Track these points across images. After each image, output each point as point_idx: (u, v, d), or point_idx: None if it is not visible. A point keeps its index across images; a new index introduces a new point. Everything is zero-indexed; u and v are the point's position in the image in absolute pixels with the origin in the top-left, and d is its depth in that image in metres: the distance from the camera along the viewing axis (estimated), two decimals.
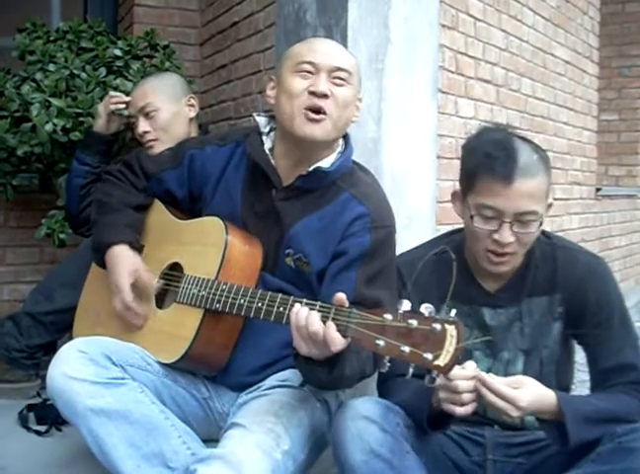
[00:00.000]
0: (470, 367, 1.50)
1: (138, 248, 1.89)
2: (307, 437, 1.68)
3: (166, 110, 2.46)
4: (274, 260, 1.79)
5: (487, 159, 1.61)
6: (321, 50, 1.75)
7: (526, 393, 1.50)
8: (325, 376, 1.51)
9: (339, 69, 1.72)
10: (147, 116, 2.44)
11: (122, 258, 1.84)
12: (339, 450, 1.54)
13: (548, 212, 1.70)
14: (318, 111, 1.69)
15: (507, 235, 1.60)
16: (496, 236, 1.61)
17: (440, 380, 1.47)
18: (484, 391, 1.48)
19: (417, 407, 1.58)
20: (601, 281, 1.73)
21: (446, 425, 1.60)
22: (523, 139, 1.67)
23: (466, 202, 1.68)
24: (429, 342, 1.27)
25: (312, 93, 1.69)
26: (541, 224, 1.63)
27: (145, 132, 2.43)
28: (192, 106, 2.55)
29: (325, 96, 1.69)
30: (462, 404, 1.49)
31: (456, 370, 1.45)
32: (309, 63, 1.72)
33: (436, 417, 1.57)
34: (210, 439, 1.77)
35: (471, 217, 1.65)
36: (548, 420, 1.55)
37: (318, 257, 1.75)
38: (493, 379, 1.49)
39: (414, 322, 1.28)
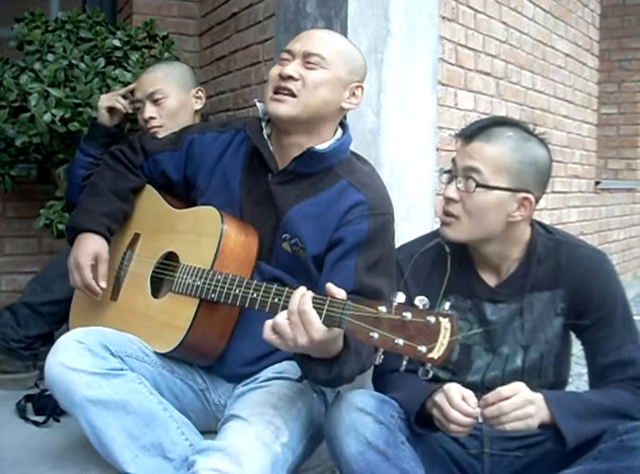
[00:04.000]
0: (472, 404, 1.49)
1: (109, 238, 1.91)
2: (305, 430, 1.68)
3: (175, 97, 2.45)
4: (270, 246, 1.79)
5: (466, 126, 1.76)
6: (302, 38, 1.81)
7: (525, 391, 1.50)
8: (324, 375, 1.51)
9: (309, 54, 1.74)
10: (155, 102, 2.43)
11: (89, 241, 1.86)
12: (334, 442, 1.54)
13: (529, 211, 1.68)
14: (283, 90, 1.72)
15: (451, 189, 1.68)
16: (444, 192, 1.69)
17: (438, 398, 1.50)
18: (495, 408, 1.48)
19: (408, 407, 1.58)
20: (605, 277, 1.73)
21: (435, 427, 1.58)
22: (525, 130, 1.69)
23: None
24: (423, 334, 1.27)
25: (280, 75, 1.73)
26: (479, 187, 1.63)
27: (151, 118, 2.42)
28: (199, 98, 2.55)
29: (290, 77, 1.72)
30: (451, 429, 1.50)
31: (458, 401, 1.47)
32: (287, 51, 1.78)
33: (427, 417, 1.56)
34: (208, 431, 1.77)
35: None
36: (542, 422, 1.53)
37: (313, 242, 1.74)
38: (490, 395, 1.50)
39: (408, 315, 1.28)
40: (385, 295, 1.66)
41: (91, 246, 1.86)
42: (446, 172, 1.72)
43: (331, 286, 1.41)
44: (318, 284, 1.69)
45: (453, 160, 1.71)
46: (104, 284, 1.86)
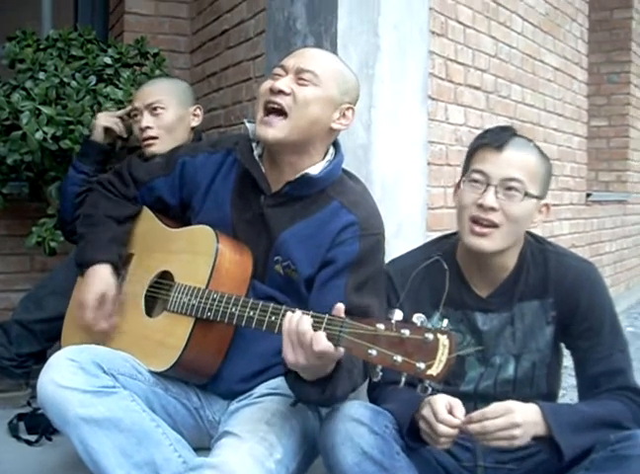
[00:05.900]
0: (459, 413, 1.49)
1: (120, 264, 1.90)
2: (299, 446, 1.68)
3: (173, 111, 2.47)
4: (263, 267, 1.79)
5: (485, 133, 1.75)
6: (297, 55, 1.80)
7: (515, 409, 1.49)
8: (317, 396, 1.51)
9: (302, 70, 1.74)
10: (154, 111, 2.44)
11: (96, 279, 1.86)
12: (329, 453, 1.53)
13: (546, 216, 1.74)
14: (273, 105, 1.71)
15: (490, 198, 1.64)
16: (480, 200, 1.65)
17: (425, 412, 1.49)
18: (478, 426, 1.47)
19: (400, 420, 1.58)
20: (593, 287, 1.74)
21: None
22: (531, 142, 1.75)
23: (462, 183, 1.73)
24: (421, 351, 1.28)
25: (270, 89, 1.73)
26: (525, 196, 1.64)
27: (148, 127, 2.43)
28: (196, 115, 2.57)
29: (281, 92, 1.71)
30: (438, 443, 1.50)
31: (443, 414, 1.47)
32: (281, 67, 1.78)
33: (419, 430, 1.56)
34: (202, 448, 1.76)
35: (461, 183, 1.71)
36: (538, 435, 1.52)
37: (306, 264, 1.75)
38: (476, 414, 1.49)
39: (406, 332, 1.29)
40: (375, 314, 1.67)
41: (97, 284, 1.85)
42: (473, 181, 1.68)
43: (339, 305, 1.42)
44: (308, 303, 1.70)
45: (479, 171, 1.67)
46: (105, 326, 1.85)
